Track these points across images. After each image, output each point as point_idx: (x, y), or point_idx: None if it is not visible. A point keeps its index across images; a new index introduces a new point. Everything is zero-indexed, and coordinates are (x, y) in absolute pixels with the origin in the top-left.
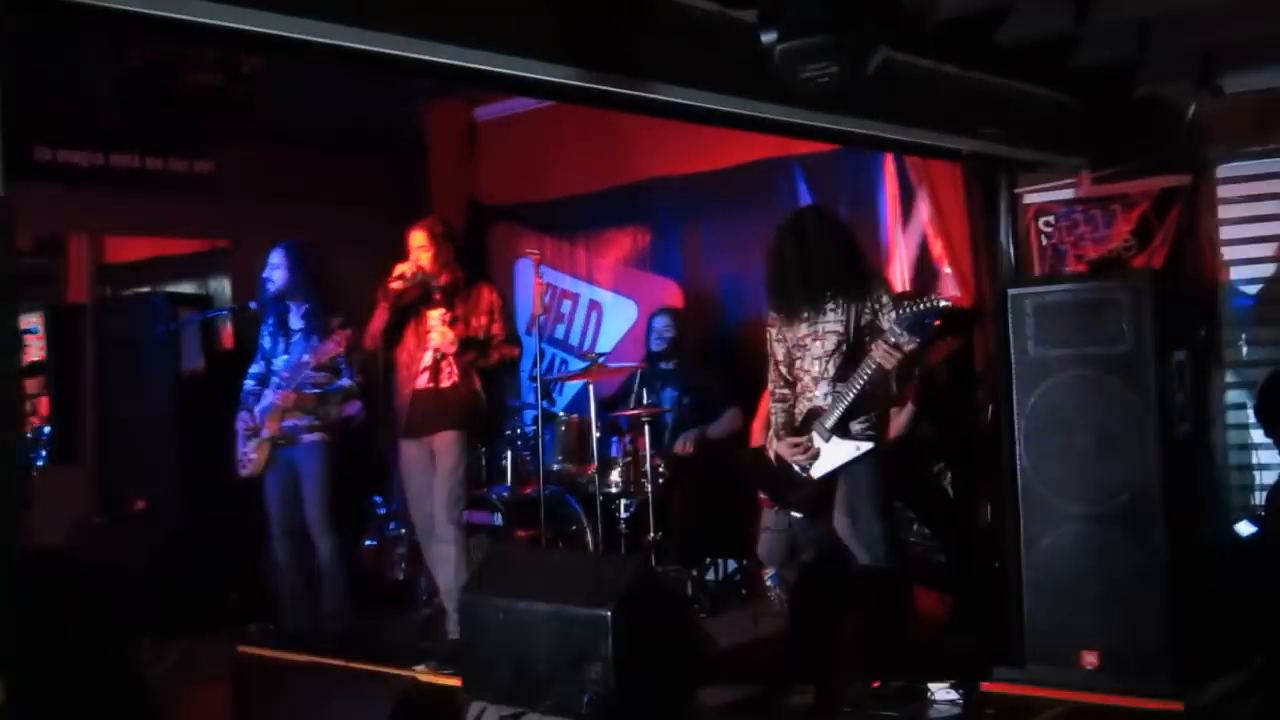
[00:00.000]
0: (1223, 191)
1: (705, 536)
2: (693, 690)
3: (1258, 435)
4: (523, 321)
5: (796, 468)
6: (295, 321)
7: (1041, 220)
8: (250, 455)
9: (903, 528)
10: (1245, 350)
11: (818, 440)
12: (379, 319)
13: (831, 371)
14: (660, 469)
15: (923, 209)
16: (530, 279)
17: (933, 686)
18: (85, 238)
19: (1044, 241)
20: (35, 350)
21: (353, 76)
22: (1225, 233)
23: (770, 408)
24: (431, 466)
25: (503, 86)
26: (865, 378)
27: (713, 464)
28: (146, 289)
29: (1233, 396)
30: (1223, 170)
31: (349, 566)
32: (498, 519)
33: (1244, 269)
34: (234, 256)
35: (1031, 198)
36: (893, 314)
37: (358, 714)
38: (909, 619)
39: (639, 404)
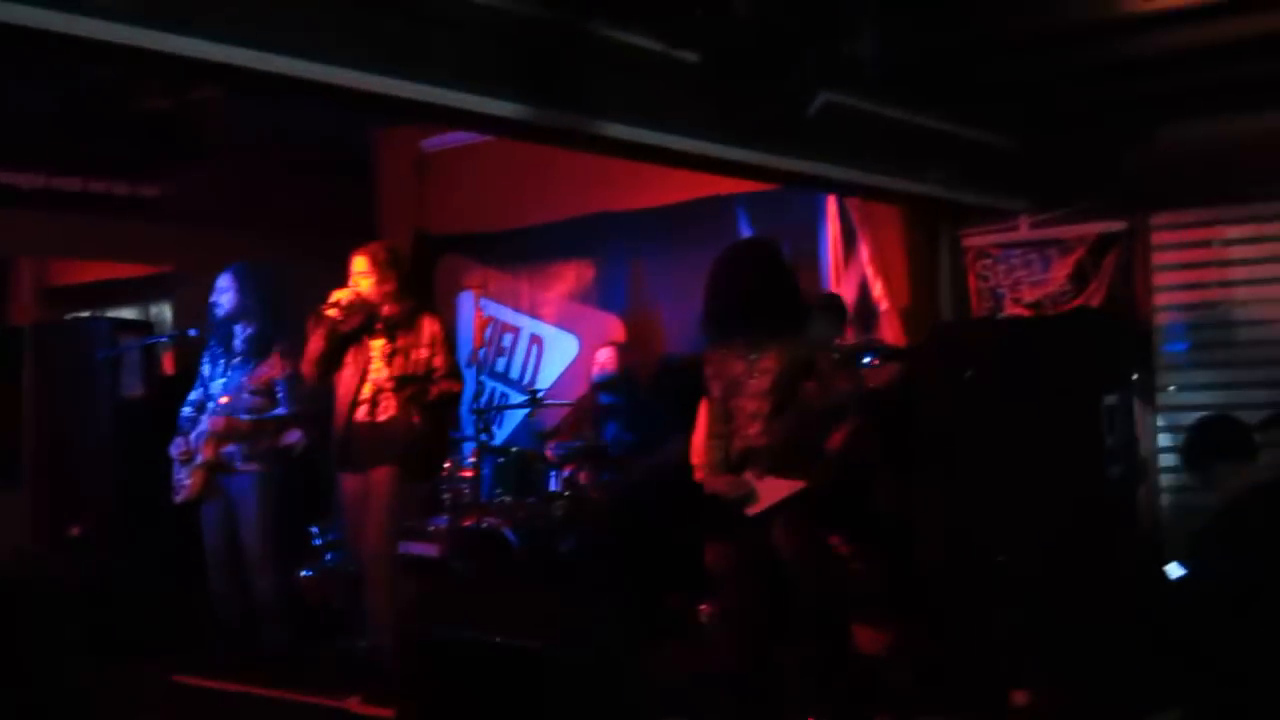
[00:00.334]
0: (1158, 238)
1: (649, 570)
2: None
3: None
4: (464, 354)
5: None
6: (238, 345)
7: (980, 263)
8: (185, 481)
9: (841, 563)
10: (1178, 395)
11: (752, 478)
12: (314, 345)
13: (768, 409)
14: (601, 502)
15: (864, 249)
16: (472, 312)
17: None
18: (29, 260)
19: (982, 284)
20: None
21: (304, 104)
22: (1160, 279)
23: (706, 444)
24: (370, 500)
25: (449, 119)
26: (800, 416)
27: (658, 497)
28: (88, 313)
29: (1166, 440)
30: (1158, 218)
31: (286, 597)
32: (436, 551)
33: (1178, 315)
34: (177, 282)
35: (971, 240)
36: (830, 353)
37: None
38: (848, 654)
39: (580, 438)
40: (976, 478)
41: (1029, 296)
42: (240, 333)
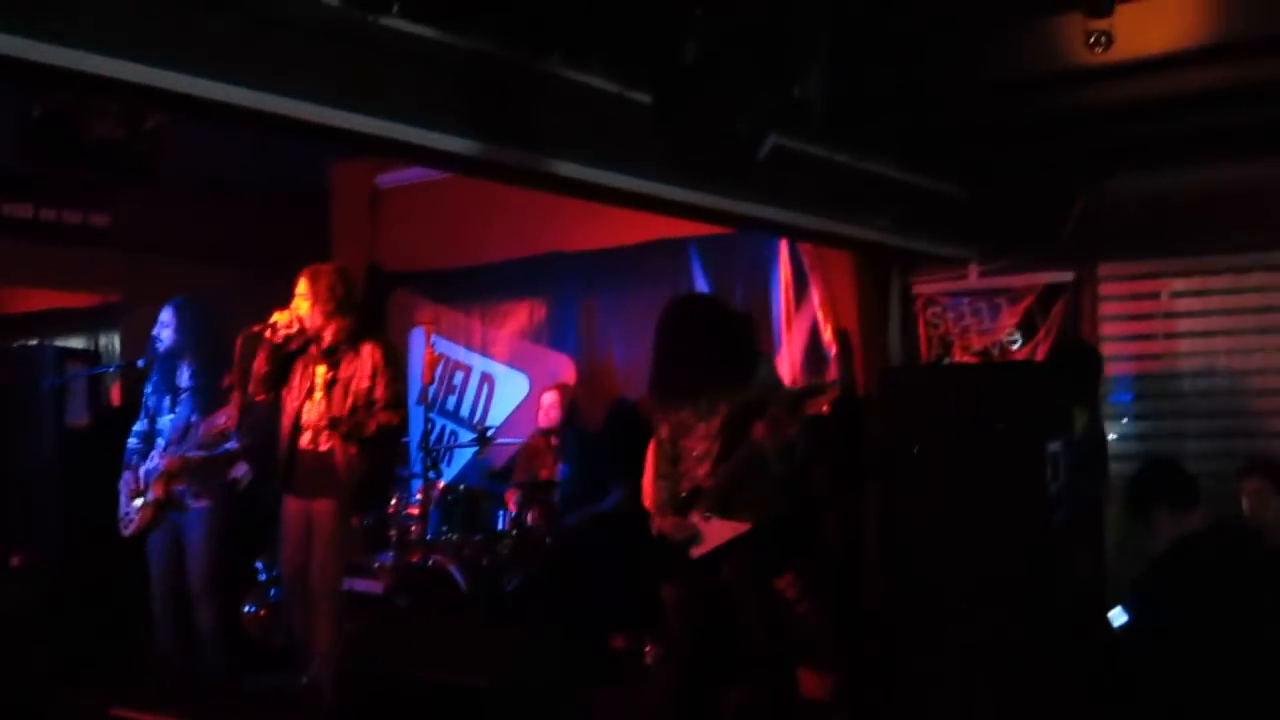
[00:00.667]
0: (1105, 289)
1: (594, 610)
2: None
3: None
4: (414, 391)
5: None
6: (183, 380)
7: (929, 310)
8: (133, 515)
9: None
10: (1124, 444)
11: (698, 520)
12: (258, 365)
13: (715, 450)
14: (548, 541)
15: (815, 294)
16: (422, 349)
17: None
18: None
19: (932, 330)
20: None
21: (257, 136)
22: (1106, 329)
23: (654, 485)
24: (311, 531)
25: (404, 154)
26: (747, 458)
27: (602, 538)
28: (35, 341)
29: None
30: (1105, 268)
31: (229, 631)
32: (381, 588)
33: (1124, 364)
34: (126, 312)
35: (921, 287)
36: (777, 395)
37: None
38: (791, 698)
39: (528, 477)
40: (921, 523)
41: (978, 344)
42: (184, 368)
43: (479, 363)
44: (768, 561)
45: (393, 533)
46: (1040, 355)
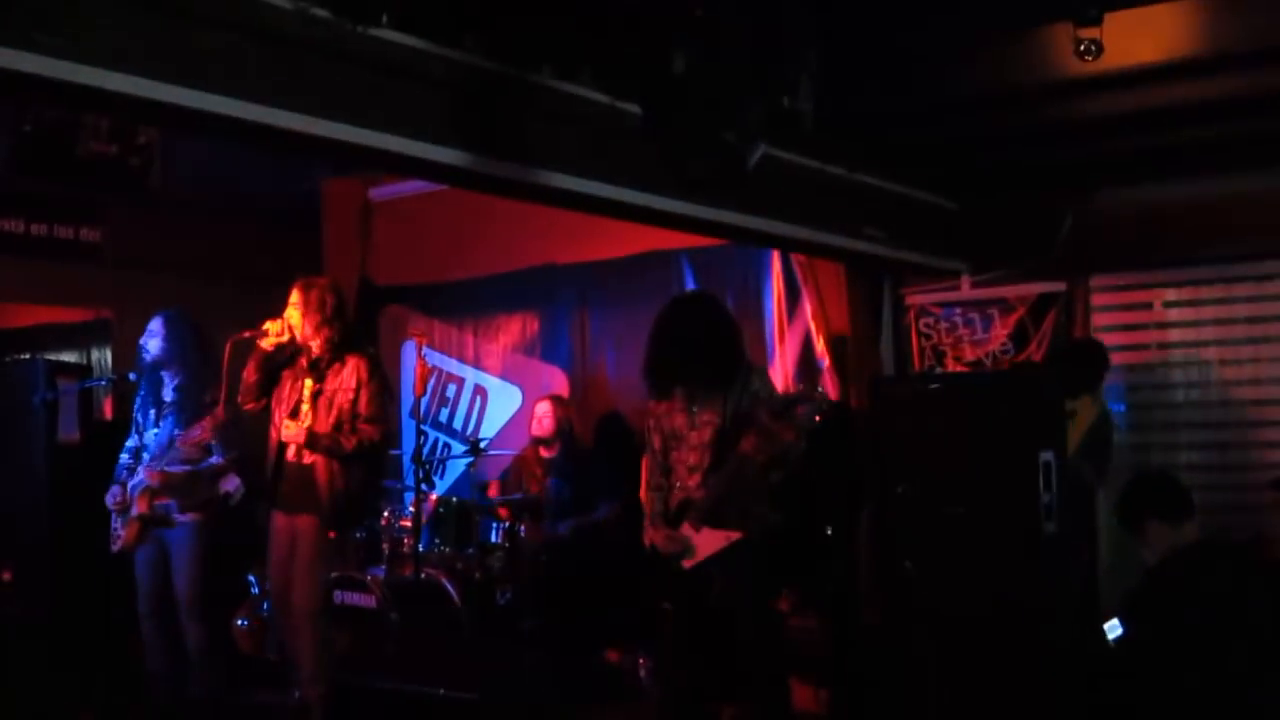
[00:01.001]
0: (1097, 299)
1: (587, 625)
2: None
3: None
4: (407, 404)
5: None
6: (168, 394)
7: (922, 321)
8: (120, 531)
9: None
10: (1116, 455)
11: (689, 531)
12: (249, 374)
13: (707, 462)
14: (540, 555)
15: (807, 305)
16: (415, 361)
17: None
18: None
19: (924, 342)
20: None
21: (249, 151)
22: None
23: (647, 496)
24: (294, 546)
25: (394, 166)
26: (738, 469)
27: (597, 551)
28: (27, 356)
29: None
30: (1097, 279)
31: (219, 647)
32: (373, 602)
33: (1116, 375)
34: (117, 327)
35: (913, 298)
36: (768, 406)
37: None
38: (785, 711)
39: (520, 490)
40: (913, 534)
41: (970, 355)
42: (169, 380)
43: (472, 375)
44: (763, 576)
45: (385, 546)
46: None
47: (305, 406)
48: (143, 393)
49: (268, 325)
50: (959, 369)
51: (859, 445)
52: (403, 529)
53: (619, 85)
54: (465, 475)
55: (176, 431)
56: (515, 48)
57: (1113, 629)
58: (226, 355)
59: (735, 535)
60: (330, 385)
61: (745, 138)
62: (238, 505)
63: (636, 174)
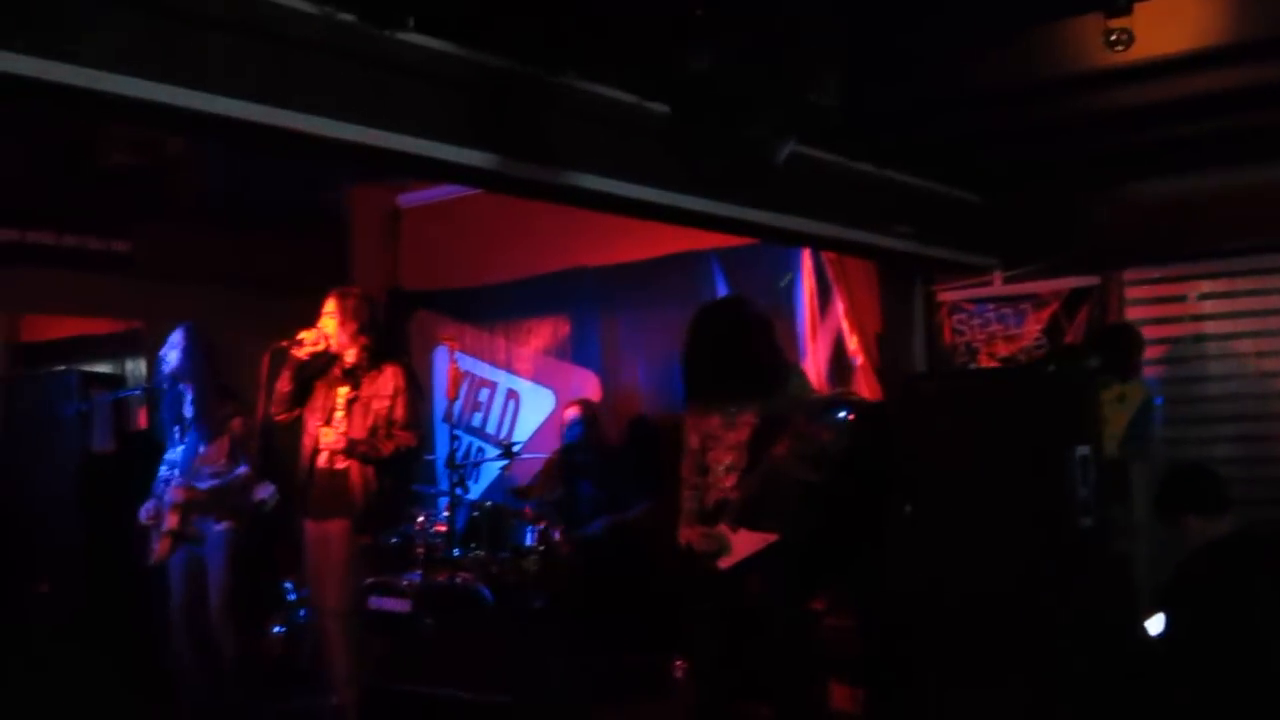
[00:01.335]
0: (1131, 293)
1: (621, 626)
2: None
3: None
4: (439, 409)
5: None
6: (188, 408)
7: (954, 317)
8: (154, 545)
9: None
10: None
11: (726, 531)
12: (282, 384)
13: (744, 462)
14: (573, 558)
15: (839, 304)
16: (447, 366)
17: None
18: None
19: (956, 338)
20: None
21: (276, 160)
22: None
23: (682, 496)
24: (328, 551)
25: (420, 170)
26: (768, 473)
27: (628, 553)
28: (60, 367)
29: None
30: (1130, 272)
31: (252, 653)
32: (408, 606)
33: (1151, 369)
34: (148, 337)
35: (945, 295)
36: (805, 409)
37: None
38: (821, 712)
39: (553, 494)
40: (946, 532)
41: (1003, 351)
42: (188, 394)
43: (504, 379)
44: (796, 576)
45: (420, 551)
46: None
47: (340, 414)
48: (167, 403)
49: (303, 335)
50: (992, 365)
51: (893, 443)
52: (437, 533)
53: (644, 85)
54: (499, 479)
55: (200, 448)
56: (539, 49)
57: (1155, 624)
58: (265, 365)
59: (772, 537)
60: (366, 392)
61: (771, 134)
62: (272, 513)
63: (663, 174)
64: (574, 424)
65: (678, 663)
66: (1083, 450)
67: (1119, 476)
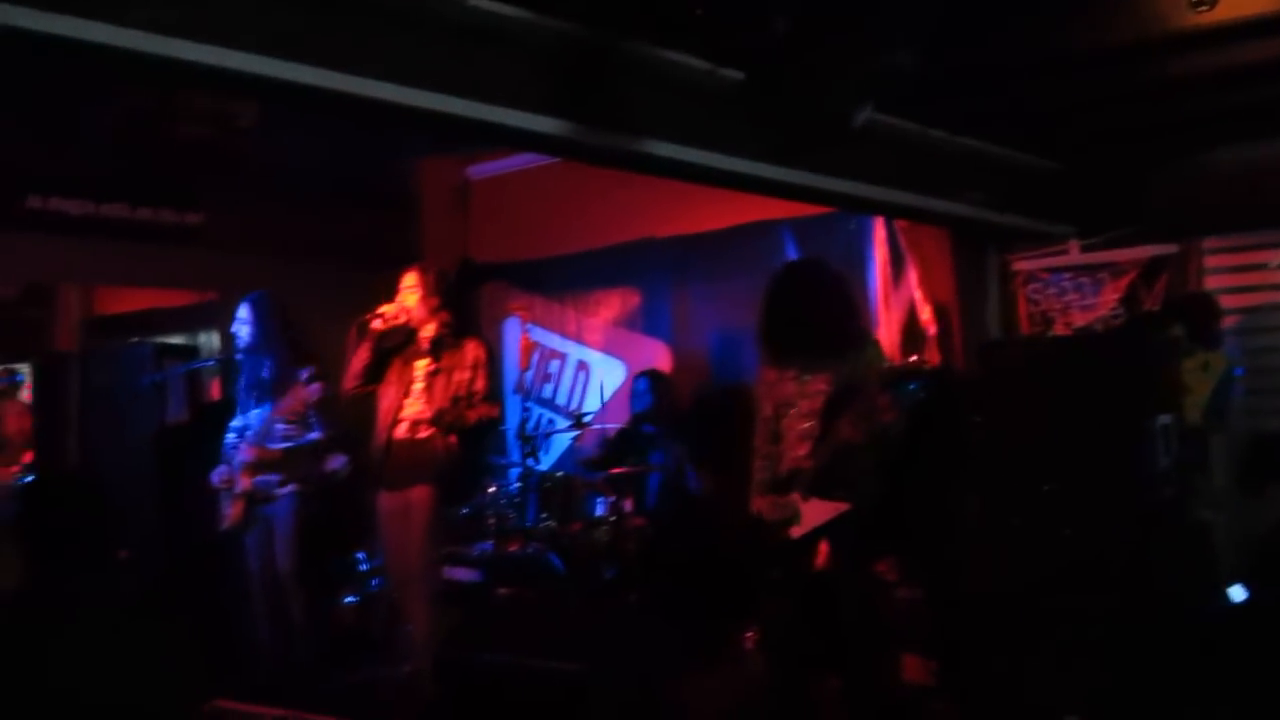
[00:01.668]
0: (1210, 261)
1: (692, 596)
2: None
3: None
4: (510, 380)
5: (777, 526)
6: (264, 374)
7: (1029, 287)
8: (227, 510)
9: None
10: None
11: (797, 500)
12: (359, 358)
13: (818, 430)
14: (645, 529)
15: (912, 274)
16: (518, 337)
17: None
18: (75, 288)
19: (1032, 308)
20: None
21: (347, 132)
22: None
23: (755, 464)
24: (408, 519)
25: (493, 137)
26: (837, 446)
27: (698, 523)
28: (136, 340)
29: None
30: (1210, 241)
31: (323, 620)
32: (480, 576)
33: (1231, 338)
34: (222, 309)
35: (1020, 264)
36: (880, 378)
37: None
38: (893, 683)
39: (624, 465)
40: (1024, 502)
41: (1079, 321)
42: (266, 363)
43: (574, 350)
44: (867, 546)
45: (491, 521)
46: None
47: (419, 385)
48: (244, 374)
49: (383, 309)
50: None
51: (965, 412)
52: (509, 504)
53: (718, 50)
54: (570, 450)
55: (277, 411)
56: (612, 14)
57: (1237, 593)
58: (352, 337)
59: (843, 507)
60: (446, 364)
61: (851, 97)
62: (343, 483)
63: (737, 141)
64: (643, 393)
65: (748, 633)
66: (1164, 419)
67: (1200, 446)
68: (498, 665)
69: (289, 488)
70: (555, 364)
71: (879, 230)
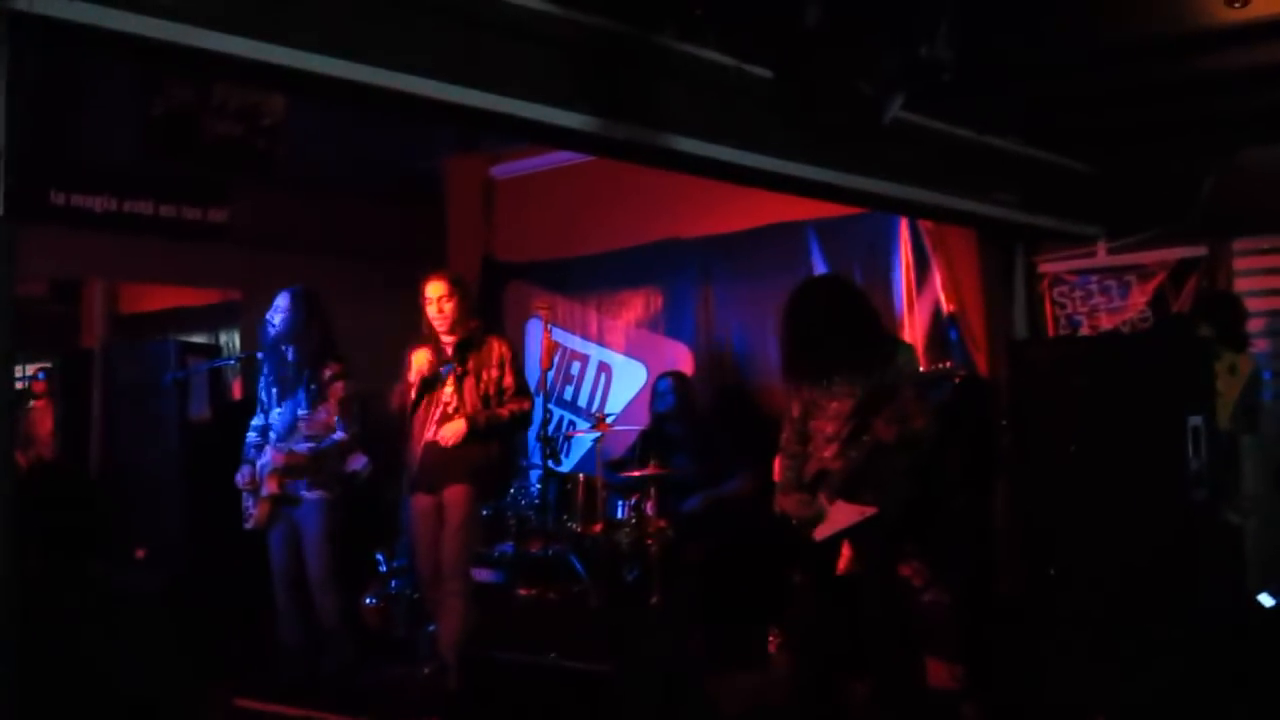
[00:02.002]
0: (1240, 264)
1: (716, 598)
2: None
3: None
4: (532, 380)
5: (801, 528)
6: (289, 370)
7: (1056, 289)
8: (252, 510)
9: (911, 592)
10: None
11: (823, 501)
12: (409, 394)
13: (845, 432)
14: (668, 531)
15: (937, 275)
16: (540, 338)
17: None
18: (100, 285)
19: (1058, 310)
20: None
21: (372, 130)
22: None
23: (781, 463)
24: (441, 519)
25: (520, 131)
26: (870, 448)
27: (726, 525)
28: (159, 338)
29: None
30: (1240, 242)
31: (351, 622)
32: (500, 577)
33: (1260, 341)
34: (245, 308)
35: (1047, 266)
36: (913, 383)
37: None
38: (917, 686)
39: (645, 466)
40: (1054, 503)
41: (1107, 323)
42: (290, 356)
43: (596, 352)
44: (893, 549)
45: (513, 522)
46: None
47: (449, 389)
48: (266, 371)
49: (416, 363)
50: None
51: (993, 414)
52: (530, 505)
53: (745, 47)
54: (591, 452)
55: (300, 411)
56: (640, 10)
57: (1266, 599)
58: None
59: (870, 510)
60: (473, 364)
61: (882, 87)
62: (365, 484)
63: (763, 138)
64: (665, 394)
65: (772, 635)
66: (1195, 420)
67: (1230, 448)
68: (519, 663)
69: (316, 493)
70: (576, 366)
71: (904, 231)
